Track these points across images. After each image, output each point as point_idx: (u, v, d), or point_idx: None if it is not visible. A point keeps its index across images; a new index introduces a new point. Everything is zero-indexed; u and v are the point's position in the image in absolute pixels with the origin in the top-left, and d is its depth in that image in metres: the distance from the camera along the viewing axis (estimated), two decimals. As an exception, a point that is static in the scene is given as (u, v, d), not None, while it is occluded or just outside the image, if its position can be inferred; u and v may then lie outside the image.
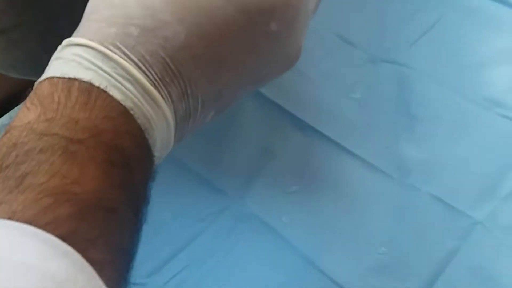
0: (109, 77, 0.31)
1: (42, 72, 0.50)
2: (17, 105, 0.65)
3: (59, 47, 0.33)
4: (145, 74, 0.32)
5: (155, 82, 0.32)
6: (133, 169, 0.31)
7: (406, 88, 0.54)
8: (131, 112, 0.31)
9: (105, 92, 0.31)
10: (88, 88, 0.31)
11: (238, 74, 0.35)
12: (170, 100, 0.33)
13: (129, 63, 0.32)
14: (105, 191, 0.29)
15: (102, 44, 0.32)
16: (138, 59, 0.32)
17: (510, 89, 0.53)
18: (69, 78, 0.31)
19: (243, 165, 0.52)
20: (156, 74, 0.32)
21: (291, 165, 0.52)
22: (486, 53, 0.55)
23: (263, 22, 0.34)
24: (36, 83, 0.32)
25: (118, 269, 0.29)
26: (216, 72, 0.34)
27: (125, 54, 0.32)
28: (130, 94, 0.31)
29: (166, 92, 0.33)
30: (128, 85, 0.32)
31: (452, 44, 0.55)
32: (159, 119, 0.33)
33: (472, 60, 0.55)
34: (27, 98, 0.32)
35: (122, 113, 0.31)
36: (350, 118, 0.53)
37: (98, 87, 0.31)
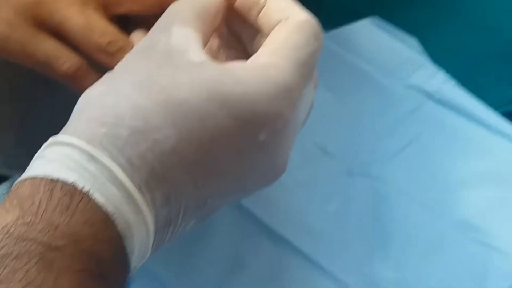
0: (93, 180, 0.30)
1: (16, 168, 0.49)
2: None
3: (44, 145, 0.32)
4: (131, 177, 0.31)
5: (140, 185, 0.31)
6: (110, 280, 0.30)
7: (382, 203, 0.54)
8: (112, 218, 0.30)
9: (88, 196, 0.30)
10: (71, 191, 0.30)
11: (224, 182, 0.34)
12: (152, 206, 0.32)
13: (115, 165, 0.31)
14: None
15: (89, 144, 0.31)
16: (126, 161, 0.31)
17: (485, 214, 0.53)
18: (52, 179, 0.30)
19: (213, 275, 0.51)
20: (141, 177, 0.31)
21: (262, 277, 0.51)
22: (462, 174, 0.55)
23: (254, 130, 0.34)
24: (15, 182, 0.31)
25: None
26: (203, 179, 0.33)
27: (112, 155, 0.31)
28: (113, 198, 0.30)
29: (149, 197, 0.32)
30: (112, 188, 0.30)
31: (428, 162, 0.55)
32: (139, 225, 0.31)
33: (448, 180, 0.55)
34: (6, 198, 0.30)
35: (103, 219, 0.30)
36: (324, 232, 0.52)
37: (81, 190, 0.30)
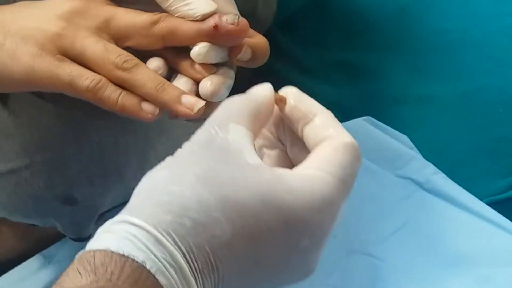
0: (158, 261, 0.34)
1: (44, 215, 0.53)
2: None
3: (110, 221, 0.36)
4: (189, 264, 0.34)
5: (195, 272, 0.35)
6: None
7: (378, 279, 0.58)
8: None
9: (153, 275, 0.33)
10: (139, 268, 0.33)
11: (264, 277, 0.37)
12: None
13: (177, 251, 0.34)
14: None
15: (156, 229, 0.34)
16: (185, 249, 0.34)
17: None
18: (123, 255, 0.33)
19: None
20: (198, 265, 0.35)
21: None
22: (453, 254, 0.60)
23: (298, 235, 0.37)
24: (85, 250, 0.35)
25: None
26: (249, 272, 0.36)
27: (175, 242, 0.34)
28: (173, 281, 0.34)
29: (201, 283, 0.35)
30: (173, 272, 0.34)
31: (421, 242, 0.61)
32: None
33: (440, 259, 0.60)
34: (75, 262, 0.34)
35: None
36: (326, 302, 0.57)
37: (148, 270, 0.33)
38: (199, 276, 0.35)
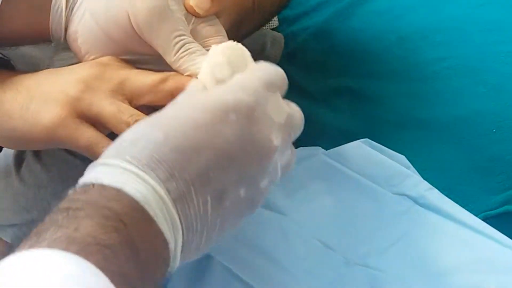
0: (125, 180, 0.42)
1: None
2: None
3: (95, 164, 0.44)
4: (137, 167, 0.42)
5: (143, 168, 0.42)
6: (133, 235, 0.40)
7: (377, 288, 0.62)
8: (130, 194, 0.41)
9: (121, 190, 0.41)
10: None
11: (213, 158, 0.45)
12: (158, 180, 0.42)
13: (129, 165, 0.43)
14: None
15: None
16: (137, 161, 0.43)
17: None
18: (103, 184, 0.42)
19: None
20: (143, 163, 0.43)
21: None
22: (448, 264, 0.63)
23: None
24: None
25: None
26: (195, 158, 0.44)
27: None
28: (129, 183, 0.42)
29: (154, 175, 0.42)
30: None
31: (417, 254, 0.64)
32: (153, 195, 0.42)
33: (436, 269, 0.63)
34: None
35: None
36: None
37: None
38: (148, 169, 0.43)
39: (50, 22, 0.57)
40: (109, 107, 0.53)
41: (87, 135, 0.53)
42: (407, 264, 0.64)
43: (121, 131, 0.51)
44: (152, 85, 0.55)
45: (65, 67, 0.57)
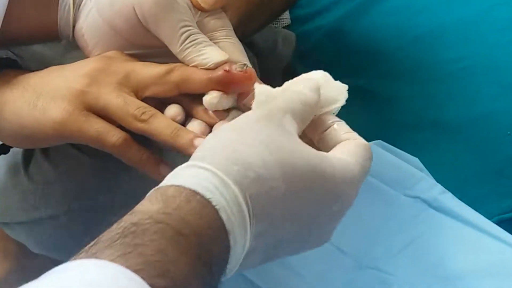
0: (223, 200, 0.41)
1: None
2: None
3: (180, 166, 0.43)
4: (248, 208, 0.42)
5: (250, 217, 0.42)
6: (213, 270, 0.40)
7: (389, 292, 0.62)
8: (227, 229, 0.41)
9: (217, 211, 0.41)
10: (205, 203, 0.41)
11: (299, 228, 0.46)
12: (250, 231, 0.42)
13: (240, 195, 0.42)
14: (190, 278, 0.38)
15: (224, 174, 0.42)
16: (247, 195, 0.42)
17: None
18: (193, 190, 0.41)
19: None
20: (253, 212, 0.42)
21: None
22: (460, 269, 0.62)
23: (333, 200, 0.47)
24: (160, 186, 0.42)
25: None
26: (285, 226, 0.44)
27: (240, 188, 0.42)
28: (232, 219, 0.41)
29: (254, 228, 0.42)
30: (235, 212, 0.41)
31: (429, 258, 0.63)
32: (241, 239, 0.42)
33: (448, 274, 0.62)
34: (150, 193, 0.42)
35: (220, 227, 0.41)
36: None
37: (213, 205, 0.41)
38: (253, 222, 0.42)
39: (58, 20, 0.57)
40: (115, 99, 0.53)
41: (96, 126, 0.53)
42: (419, 268, 0.63)
43: (128, 123, 0.53)
44: (157, 77, 0.55)
45: (71, 63, 0.57)
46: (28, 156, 0.70)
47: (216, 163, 0.42)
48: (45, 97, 0.55)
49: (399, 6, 0.78)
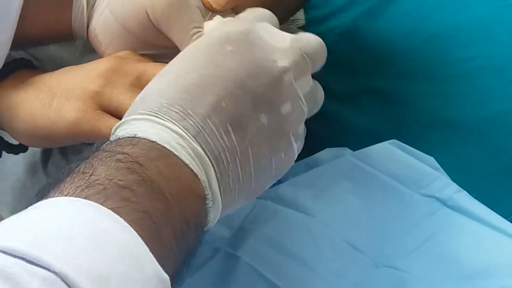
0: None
1: None
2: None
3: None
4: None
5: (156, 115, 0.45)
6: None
7: (405, 290, 0.62)
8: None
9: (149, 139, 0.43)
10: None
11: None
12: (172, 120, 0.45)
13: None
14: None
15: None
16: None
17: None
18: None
19: None
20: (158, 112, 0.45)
21: None
22: (476, 267, 0.63)
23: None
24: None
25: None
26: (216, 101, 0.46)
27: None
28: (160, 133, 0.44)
29: (167, 117, 0.45)
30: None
31: (444, 256, 0.64)
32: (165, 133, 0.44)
33: (463, 271, 0.63)
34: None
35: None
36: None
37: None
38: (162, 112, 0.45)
39: (72, 20, 0.58)
40: (128, 101, 0.54)
41: (109, 124, 0.54)
42: (435, 266, 0.63)
43: None
44: None
45: (85, 64, 0.58)
46: (46, 154, 0.71)
47: (150, 106, 0.46)
48: (59, 98, 0.56)
49: (412, 7, 0.78)
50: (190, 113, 0.45)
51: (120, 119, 0.53)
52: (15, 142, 0.62)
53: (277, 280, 0.63)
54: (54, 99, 0.56)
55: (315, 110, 0.53)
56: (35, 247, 0.33)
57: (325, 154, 0.72)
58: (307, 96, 0.51)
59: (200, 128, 0.45)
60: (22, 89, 0.57)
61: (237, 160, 0.46)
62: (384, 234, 0.65)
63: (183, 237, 0.41)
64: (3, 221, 0.36)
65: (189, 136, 0.44)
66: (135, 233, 0.36)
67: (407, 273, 0.63)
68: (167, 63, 0.56)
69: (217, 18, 0.55)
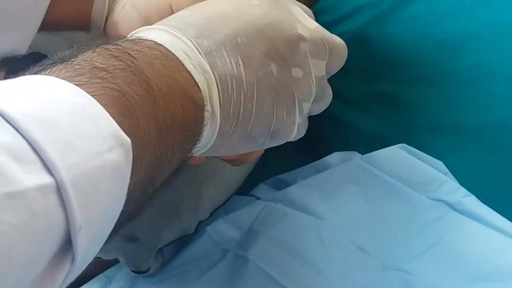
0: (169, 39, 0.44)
1: (108, 251, 0.61)
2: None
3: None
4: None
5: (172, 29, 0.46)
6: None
7: (413, 293, 0.62)
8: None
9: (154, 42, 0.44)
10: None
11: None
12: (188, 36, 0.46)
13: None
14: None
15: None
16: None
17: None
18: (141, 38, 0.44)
19: None
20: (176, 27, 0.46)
21: None
22: (484, 270, 0.63)
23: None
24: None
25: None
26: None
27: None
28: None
29: (183, 33, 0.45)
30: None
31: (452, 259, 0.64)
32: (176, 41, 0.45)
33: (471, 275, 0.63)
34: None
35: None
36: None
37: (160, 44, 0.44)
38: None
39: (92, 10, 0.58)
40: None
41: None
42: (442, 270, 0.64)
43: None
44: None
45: None
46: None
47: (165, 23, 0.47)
48: None
49: (421, 12, 0.78)
50: (206, 35, 0.45)
51: None
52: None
53: (286, 281, 0.64)
54: None
55: (322, 108, 0.53)
56: None
57: (334, 157, 0.73)
58: (317, 82, 0.51)
59: (213, 49, 0.45)
60: None
61: (242, 92, 0.46)
62: (392, 237, 0.66)
63: (168, 129, 0.40)
64: None
65: (199, 52, 0.45)
66: (92, 98, 0.34)
67: (415, 276, 0.63)
68: None
69: None
